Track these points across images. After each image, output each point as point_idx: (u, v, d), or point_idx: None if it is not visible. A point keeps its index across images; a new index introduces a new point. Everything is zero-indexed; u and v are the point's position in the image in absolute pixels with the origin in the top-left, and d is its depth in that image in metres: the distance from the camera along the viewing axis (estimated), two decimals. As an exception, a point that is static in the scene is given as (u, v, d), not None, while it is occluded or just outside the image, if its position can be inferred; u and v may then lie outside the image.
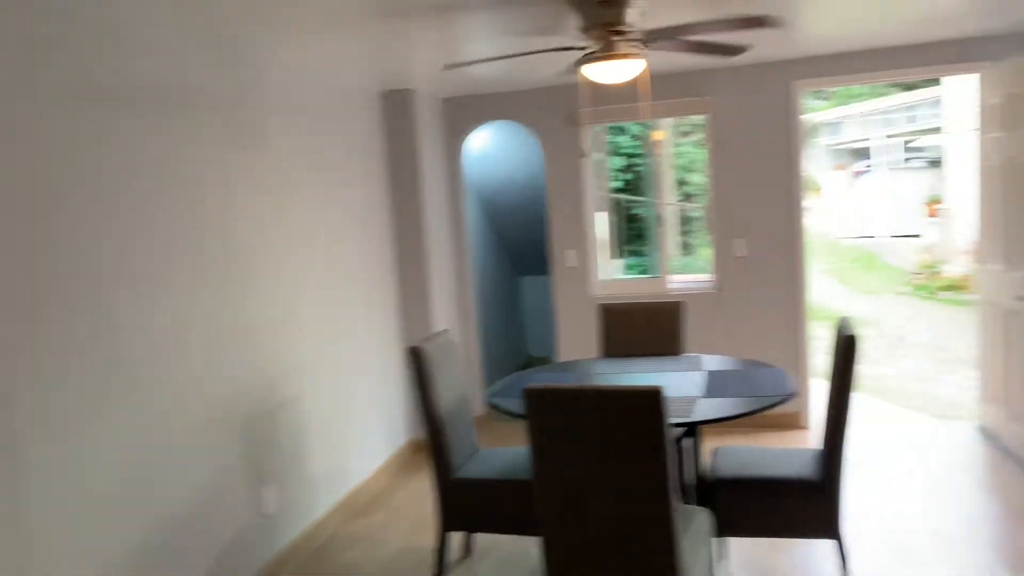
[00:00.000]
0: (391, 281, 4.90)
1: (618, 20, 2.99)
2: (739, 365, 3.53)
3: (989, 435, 4.64)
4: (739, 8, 3.36)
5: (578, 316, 5.29)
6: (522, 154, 6.09)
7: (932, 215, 14.17)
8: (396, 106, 4.86)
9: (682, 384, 3.21)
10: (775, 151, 4.90)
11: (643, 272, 7.78)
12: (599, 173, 5.43)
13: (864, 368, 6.47)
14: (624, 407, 2.28)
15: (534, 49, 3.31)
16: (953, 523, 3.61)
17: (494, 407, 3.12)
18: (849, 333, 2.79)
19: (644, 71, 3.20)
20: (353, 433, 4.35)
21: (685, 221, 9.03)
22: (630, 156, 7.98)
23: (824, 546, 3.34)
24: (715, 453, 3.25)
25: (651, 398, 2.25)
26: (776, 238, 4.97)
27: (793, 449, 3.30)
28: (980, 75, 4.58)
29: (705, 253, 8.72)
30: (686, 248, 9.09)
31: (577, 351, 5.16)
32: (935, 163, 15.68)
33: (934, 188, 14.61)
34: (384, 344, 4.78)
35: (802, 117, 4.88)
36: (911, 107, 18.83)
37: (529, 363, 7.40)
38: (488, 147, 6.13)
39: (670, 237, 5.63)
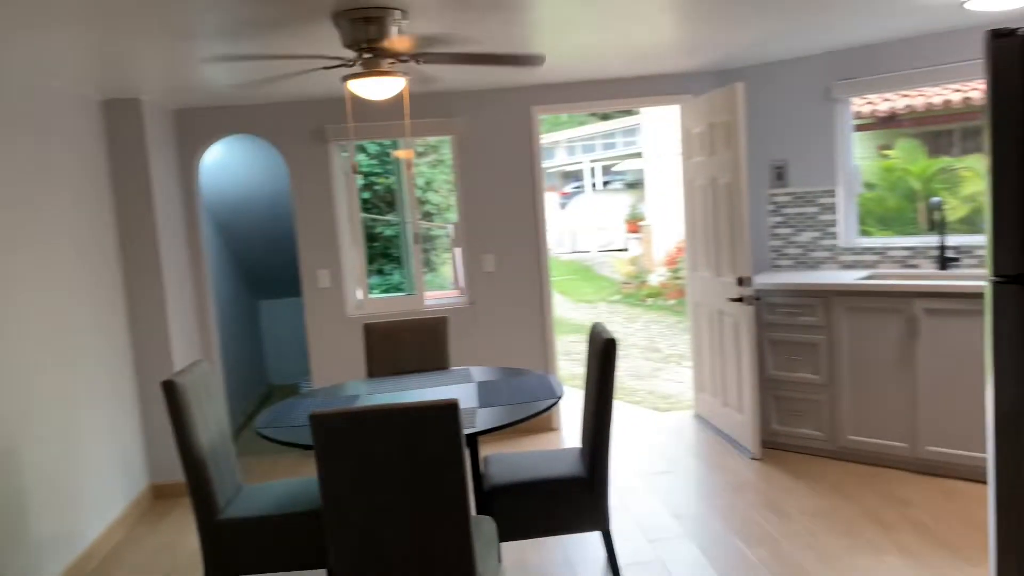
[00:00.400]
0: (121, 308, 4.40)
1: (380, 38, 3.00)
2: (505, 374, 3.67)
3: (704, 421, 5.30)
4: (474, 33, 3.50)
5: (334, 338, 5.15)
6: (263, 171, 5.81)
7: (633, 231, 15.83)
8: (121, 117, 4.39)
9: (458, 397, 3.26)
10: (518, 171, 5.19)
11: (388, 291, 7.79)
12: (349, 191, 5.34)
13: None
14: (420, 422, 2.27)
15: (289, 54, 3.20)
16: (691, 501, 4.06)
17: (267, 439, 2.93)
18: (608, 336, 3.03)
19: (405, 89, 3.23)
20: (83, 484, 3.83)
21: (426, 239, 9.20)
22: (367, 175, 7.97)
23: (585, 539, 3.59)
24: (487, 461, 3.34)
25: (448, 411, 2.26)
26: (521, 253, 5.25)
27: (557, 450, 3.50)
28: (681, 106, 5.24)
29: (446, 271, 8.96)
30: (428, 265, 9.26)
31: (334, 374, 5.02)
32: (634, 185, 17.57)
33: (635, 207, 16.35)
34: (116, 378, 4.27)
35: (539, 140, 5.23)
36: (609, 135, 20.90)
37: (272, 393, 7.04)
38: (226, 164, 5.76)
39: (418, 255, 5.70)
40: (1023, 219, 1.87)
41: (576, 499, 3.08)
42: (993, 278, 1.93)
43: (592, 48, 4.15)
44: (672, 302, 11.83)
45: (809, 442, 4.51)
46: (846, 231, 4.88)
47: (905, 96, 7.11)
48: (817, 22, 3.92)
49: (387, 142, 7.26)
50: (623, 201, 18.00)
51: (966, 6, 3.46)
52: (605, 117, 19.40)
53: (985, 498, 3.69)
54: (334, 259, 5.15)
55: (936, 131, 8.77)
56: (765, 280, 4.60)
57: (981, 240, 4.42)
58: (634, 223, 15.74)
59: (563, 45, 3.98)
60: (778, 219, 5.09)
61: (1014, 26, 1.86)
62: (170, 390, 2.85)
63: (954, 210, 8.51)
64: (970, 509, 3.65)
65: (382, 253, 7.89)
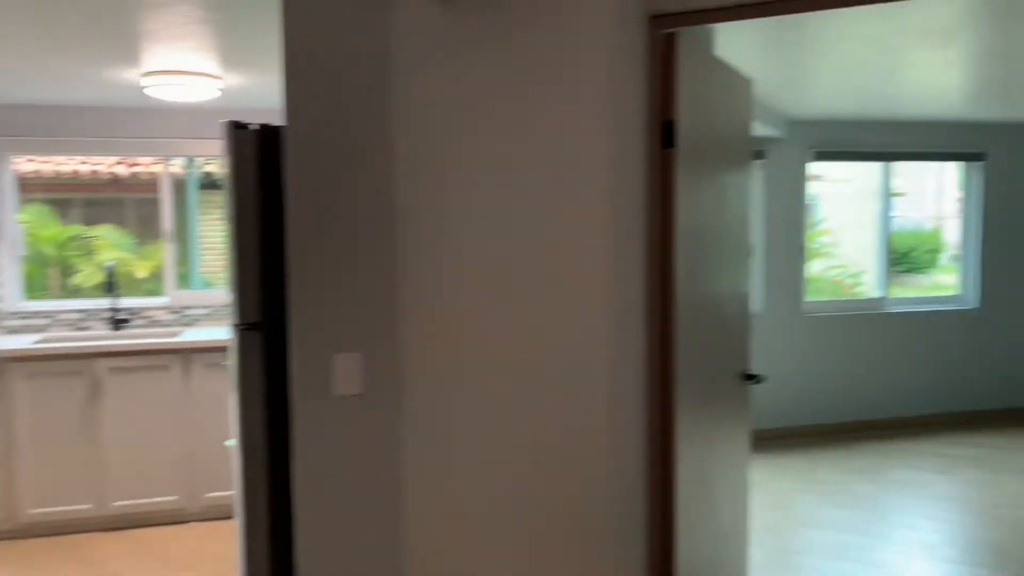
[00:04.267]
0: None
1: None
2: None
3: None
4: None
5: None
6: None
7: None
8: None
9: None
10: None
11: None
12: None
13: None
14: None
15: None
16: None
17: None
18: None
19: None
20: None
21: None
22: None
23: None
24: None
25: None
26: None
27: None
28: None
29: None
30: None
31: None
32: None
33: None
34: None
35: None
36: None
37: None
38: None
39: None
40: (257, 278, 2.31)
41: None
42: (238, 325, 2.31)
43: None
44: None
45: (-17, 528, 4.05)
46: (11, 294, 4.61)
47: (31, 161, 7.08)
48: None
49: None
50: None
51: (145, 91, 3.85)
52: None
53: (172, 536, 4.06)
54: None
55: (61, 199, 8.93)
56: (-81, 351, 3.95)
57: (148, 302, 4.84)
58: None
59: None
60: (-74, 281, 4.43)
61: (244, 120, 2.32)
62: None
63: (90, 276, 8.80)
64: (165, 548, 3.95)
65: None
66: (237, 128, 2.30)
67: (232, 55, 3.40)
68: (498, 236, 2.11)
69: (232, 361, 2.39)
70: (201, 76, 3.73)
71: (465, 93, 2.10)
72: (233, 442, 2.46)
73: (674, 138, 2.28)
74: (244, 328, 2.33)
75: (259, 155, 2.30)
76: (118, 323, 4.65)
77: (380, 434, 2.18)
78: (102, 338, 4.48)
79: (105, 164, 8.26)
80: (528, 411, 2.14)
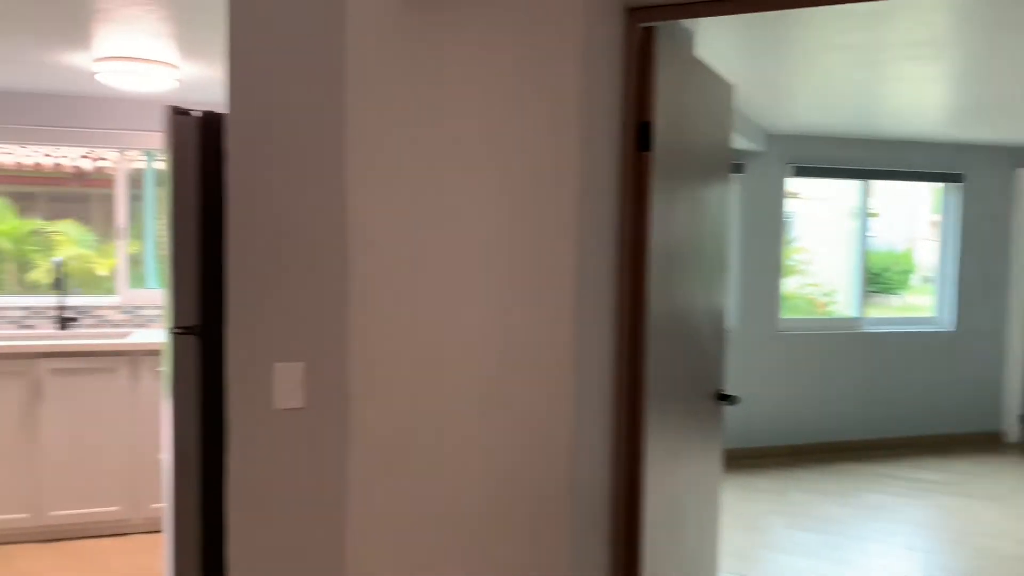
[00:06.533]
0: None
1: None
2: None
3: None
4: None
5: None
6: None
7: None
8: None
9: None
10: None
11: None
12: None
13: None
14: None
15: None
16: None
17: None
18: None
19: None
20: None
21: None
22: None
23: None
24: None
25: None
26: None
27: None
28: None
29: None
30: None
31: None
32: None
33: None
34: None
35: None
36: None
37: None
38: None
39: None
40: (195, 278, 2.13)
41: None
42: (173, 329, 2.13)
43: None
44: None
45: (-93, 537, 3.79)
46: (-49, 289, 4.36)
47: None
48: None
49: None
50: None
51: (97, 77, 3.64)
52: None
53: (112, 548, 3.83)
54: None
55: (23, 192, 8.62)
56: None
57: (98, 301, 4.61)
58: None
59: None
60: None
61: (185, 106, 2.14)
62: None
63: (48, 273, 8.48)
64: (104, 562, 3.72)
65: None
66: (178, 114, 2.12)
67: (191, 43, 3.22)
68: (457, 241, 1.95)
69: (166, 367, 2.20)
70: (157, 64, 3.53)
71: (425, 86, 1.94)
72: (165, 454, 2.27)
73: (650, 141, 2.14)
74: (179, 332, 2.14)
75: (202, 144, 2.12)
76: (64, 322, 4.42)
77: (322, 453, 2.00)
78: (46, 337, 4.25)
79: (69, 158, 7.97)
80: (486, 429, 1.98)
